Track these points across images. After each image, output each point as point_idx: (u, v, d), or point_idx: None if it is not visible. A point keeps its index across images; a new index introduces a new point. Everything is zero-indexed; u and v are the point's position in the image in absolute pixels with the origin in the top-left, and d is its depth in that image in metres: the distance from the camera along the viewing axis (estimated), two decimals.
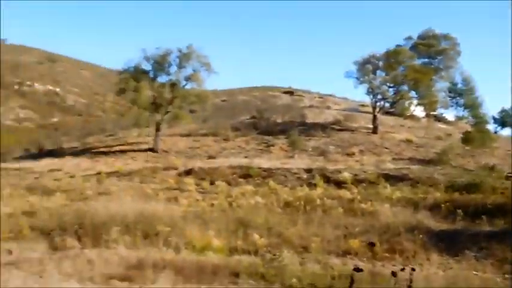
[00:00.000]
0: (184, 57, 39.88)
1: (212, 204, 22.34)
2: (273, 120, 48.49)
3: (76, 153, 40.84)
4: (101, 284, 12.25)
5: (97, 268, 13.53)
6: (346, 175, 26.75)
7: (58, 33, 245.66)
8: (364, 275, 10.00)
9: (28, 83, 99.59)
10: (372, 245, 13.85)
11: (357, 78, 44.43)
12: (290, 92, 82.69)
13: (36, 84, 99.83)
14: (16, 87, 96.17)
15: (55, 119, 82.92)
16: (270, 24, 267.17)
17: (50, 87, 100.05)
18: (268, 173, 27.95)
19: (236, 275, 13.08)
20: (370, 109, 46.23)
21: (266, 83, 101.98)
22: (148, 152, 38.20)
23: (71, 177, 30.02)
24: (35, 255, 15.25)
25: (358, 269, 7.65)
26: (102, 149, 41.62)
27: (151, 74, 41.02)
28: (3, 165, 35.57)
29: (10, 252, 15.66)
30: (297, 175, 27.61)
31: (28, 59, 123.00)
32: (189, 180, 27.05)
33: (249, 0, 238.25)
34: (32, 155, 44.14)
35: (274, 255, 15.14)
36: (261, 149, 37.65)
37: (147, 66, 40.72)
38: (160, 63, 40.31)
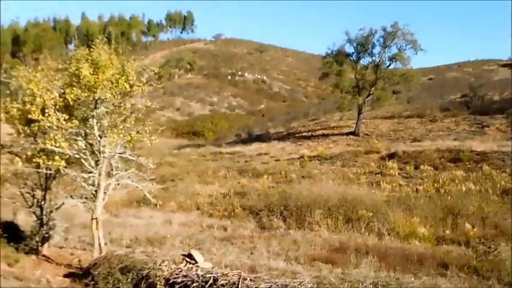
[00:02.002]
0: (389, 36, 38.20)
1: (417, 190, 21.19)
2: (488, 97, 43.45)
3: (281, 137, 43.04)
4: (305, 264, 12.60)
5: (301, 249, 13.99)
6: None
7: (266, 24, 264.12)
8: None
9: (239, 73, 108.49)
10: None
11: None
12: (510, 65, 73.09)
13: (246, 74, 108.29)
14: (229, 77, 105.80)
15: (262, 106, 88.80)
16: None
17: (258, 76, 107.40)
18: (482, 157, 25.13)
19: (444, 266, 12.12)
20: None
21: (480, 57, 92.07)
22: (350, 136, 38.04)
23: (277, 160, 31.70)
24: (246, 232, 16.55)
25: None
26: (304, 133, 43.02)
27: (354, 57, 40.56)
28: (218, 149, 39.52)
29: (225, 229, 17.34)
30: None
31: (240, 50, 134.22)
32: (392, 164, 26.05)
33: None
34: (242, 140, 48.13)
35: (489, 247, 13.62)
36: (473, 131, 34.14)
37: (350, 49, 40.39)
38: (363, 45, 39.47)
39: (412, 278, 10.96)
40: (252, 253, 13.68)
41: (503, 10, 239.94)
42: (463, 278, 11.28)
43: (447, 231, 15.44)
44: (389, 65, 39.33)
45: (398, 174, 24.76)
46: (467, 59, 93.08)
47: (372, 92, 39.14)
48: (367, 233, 15.66)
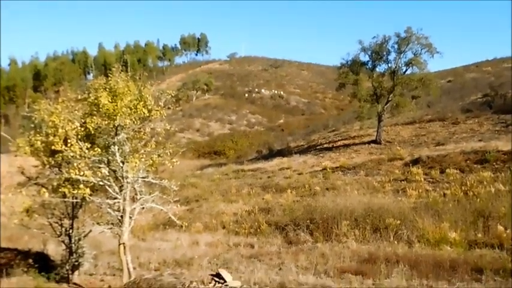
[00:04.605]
0: (403, 42, 37.90)
1: (444, 194, 20.77)
2: (510, 95, 42.65)
3: (302, 151, 42.89)
4: (335, 277, 12.42)
5: (330, 262, 13.80)
6: None
7: (280, 40, 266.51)
8: None
9: (256, 90, 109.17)
10: None
11: None
12: None
13: (262, 90, 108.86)
14: (246, 95, 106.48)
15: (281, 121, 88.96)
16: None
17: (275, 91, 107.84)
18: (509, 156, 24.50)
19: (479, 271, 11.81)
20: None
21: (498, 55, 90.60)
22: (371, 144, 37.70)
23: (299, 174, 31.53)
24: (273, 248, 16.44)
25: None
26: (325, 145, 42.80)
27: (369, 65, 40.33)
28: (240, 167, 39.55)
29: (252, 246, 17.24)
30: None
31: (255, 68, 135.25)
32: (417, 170, 25.62)
33: None
34: (263, 156, 48.14)
35: None
36: (497, 130, 33.47)
37: (364, 57, 40.19)
38: (378, 53, 39.25)
39: (446, 285, 10.72)
40: (280, 269, 13.56)
41: None
42: (499, 282, 10.97)
43: (479, 235, 15.06)
44: (406, 70, 39.00)
45: (424, 179, 24.32)
46: (485, 59, 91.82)
47: (390, 99, 38.79)
48: (396, 242, 15.39)
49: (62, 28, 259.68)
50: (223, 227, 21.35)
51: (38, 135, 12.14)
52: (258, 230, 19.33)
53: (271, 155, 46.77)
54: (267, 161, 40.81)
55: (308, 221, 18.17)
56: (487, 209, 16.78)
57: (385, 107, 38.79)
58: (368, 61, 40.05)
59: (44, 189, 12.24)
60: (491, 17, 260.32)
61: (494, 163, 24.40)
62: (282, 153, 44.85)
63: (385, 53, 39.18)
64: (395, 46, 38.48)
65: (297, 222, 18.52)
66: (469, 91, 54.32)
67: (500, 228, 14.73)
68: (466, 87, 59.84)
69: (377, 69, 40.40)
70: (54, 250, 14.96)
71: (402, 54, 38.44)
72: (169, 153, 12.55)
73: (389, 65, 39.37)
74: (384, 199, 20.28)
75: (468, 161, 25.74)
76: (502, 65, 77.97)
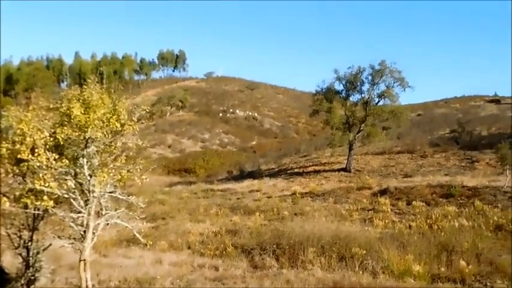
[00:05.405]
0: (377, 74, 38.91)
1: (410, 226, 21.05)
2: (477, 132, 43.99)
3: (273, 174, 42.99)
4: None
5: None
6: None
7: (257, 62, 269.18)
8: None
9: (231, 110, 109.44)
10: None
11: None
12: (496, 101, 74.53)
13: (237, 111, 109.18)
14: (220, 114, 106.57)
15: (253, 142, 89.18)
16: (468, 27, 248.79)
17: (249, 113, 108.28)
18: (474, 192, 25.19)
19: None
20: None
21: (466, 93, 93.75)
22: (341, 172, 38.11)
23: (269, 197, 31.49)
24: (237, 272, 16.19)
25: None
26: (296, 170, 43.05)
27: (343, 94, 41.11)
28: (210, 186, 39.27)
29: (217, 268, 16.96)
30: (508, 194, 24.29)
31: (231, 88, 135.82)
32: (384, 201, 25.98)
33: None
34: (234, 177, 48.01)
35: (485, 285, 13.45)
36: (463, 166, 34.40)
37: (339, 86, 41.01)
38: (352, 83, 40.12)
39: None
40: None
41: (488, 46, 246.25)
42: None
43: (442, 269, 15.23)
44: (378, 101, 39.98)
45: (391, 210, 24.64)
46: (454, 95, 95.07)
47: (362, 128, 39.52)
48: (361, 272, 15.39)
49: (38, 33, 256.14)
50: (189, 247, 20.98)
51: (4, 142, 11.73)
52: (224, 252, 19.06)
53: (242, 176, 46.68)
54: (237, 182, 40.67)
55: (275, 246, 18.02)
56: (450, 243, 17.02)
57: (357, 136, 39.44)
58: (342, 90, 40.96)
59: (5, 199, 11.80)
60: (461, 55, 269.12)
61: (459, 198, 24.97)
62: (252, 175, 44.83)
63: (359, 84, 40.13)
64: (369, 77, 39.55)
65: (264, 246, 18.33)
66: (437, 126, 55.77)
67: (463, 263, 14.94)
68: (434, 122, 61.44)
69: (350, 99, 41.35)
70: (10, 262, 14.36)
71: (375, 86, 39.51)
72: (139, 169, 12.30)
73: (363, 95, 40.38)
74: (351, 227, 20.34)
75: (434, 195, 26.25)
76: (469, 102, 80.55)
